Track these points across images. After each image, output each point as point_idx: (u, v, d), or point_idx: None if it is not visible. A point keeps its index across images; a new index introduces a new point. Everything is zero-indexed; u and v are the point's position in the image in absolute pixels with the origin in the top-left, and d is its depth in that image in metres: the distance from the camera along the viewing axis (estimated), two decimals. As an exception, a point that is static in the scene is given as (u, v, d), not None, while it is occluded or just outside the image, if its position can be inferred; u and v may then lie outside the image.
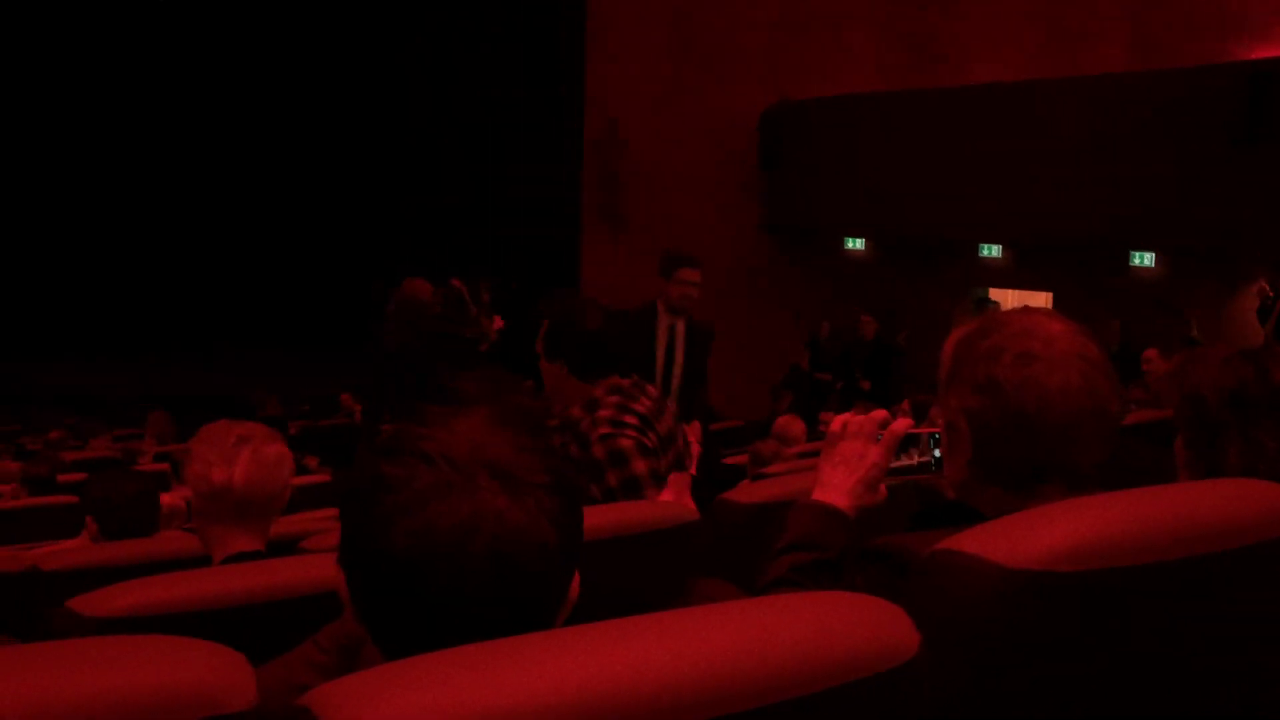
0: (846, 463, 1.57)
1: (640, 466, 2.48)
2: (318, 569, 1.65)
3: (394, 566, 0.91)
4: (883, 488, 1.59)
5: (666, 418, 2.67)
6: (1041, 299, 11.29)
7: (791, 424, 5.56)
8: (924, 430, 1.58)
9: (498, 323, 6.42)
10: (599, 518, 1.95)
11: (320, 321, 16.19)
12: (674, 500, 2.40)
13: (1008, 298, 11.67)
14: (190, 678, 0.87)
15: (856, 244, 12.72)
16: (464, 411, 0.99)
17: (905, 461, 1.58)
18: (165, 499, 2.73)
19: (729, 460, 5.08)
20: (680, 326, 4.89)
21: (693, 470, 2.78)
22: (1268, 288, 8.50)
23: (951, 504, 1.44)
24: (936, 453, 1.56)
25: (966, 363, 1.39)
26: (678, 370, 4.85)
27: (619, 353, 2.67)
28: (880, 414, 1.60)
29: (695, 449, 2.96)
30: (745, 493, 2.39)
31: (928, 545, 1.15)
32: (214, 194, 16.67)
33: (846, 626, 0.90)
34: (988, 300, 11.23)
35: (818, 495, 1.58)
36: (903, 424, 1.58)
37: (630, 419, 2.54)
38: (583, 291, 12.80)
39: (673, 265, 4.83)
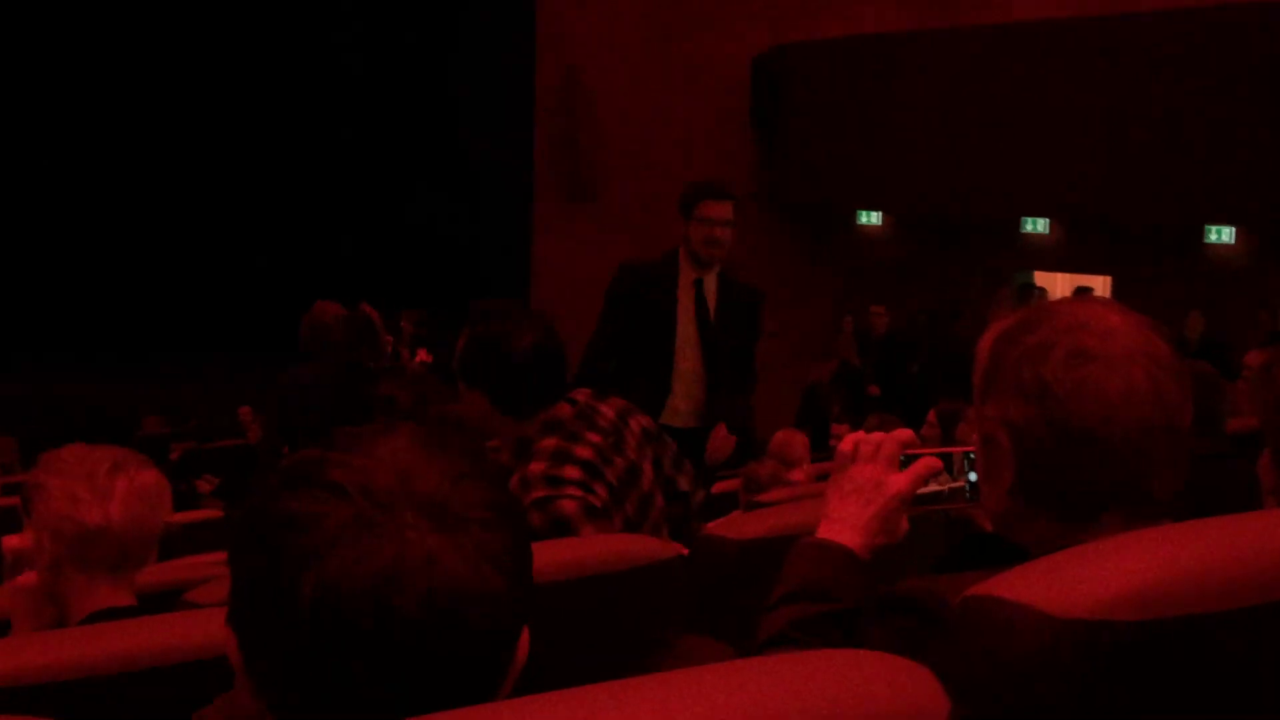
0: (860, 492, 1.58)
1: (589, 534, 2.41)
2: (204, 628, 1.64)
3: (299, 626, 0.90)
4: (904, 522, 1.59)
5: (629, 444, 2.61)
6: (1098, 284, 11.40)
7: (792, 440, 5.56)
8: (955, 450, 1.59)
9: (421, 356, 6.43)
10: (554, 554, 1.97)
11: (220, 320, 16.51)
12: None
13: (1056, 283, 11.77)
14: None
15: (871, 219, 12.80)
16: (386, 431, 0.99)
17: (932, 488, 1.59)
18: (10, 542, 2.70)
19: (718, 488, 5.06)
20: (711, 284, 4.23)
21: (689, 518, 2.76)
22: None
23: (989, 539, 1.45)
24: (971, 476, 1.57)
25: (1007, 363, 1.39)
26: (709, 348, 4.20)
27: (556, 383, 2.58)
28: (903, 434, 1.61)
29: (698, 495, 2.90)
30: (736, 527, 2.40)
31: (960, 590, 1.15)
32: (91, 186, 17.26)
33: (860, 692, 0.90)
34: (1033, 287, 11.33)
35: (824, 533, 1.58)
36: (936, 463, 1.58)
37: (571, 471, 2.47)
38: (533, 276, 12.81)
39: (693, 198, 4.17)
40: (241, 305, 17.05)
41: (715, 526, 2.41)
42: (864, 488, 1.58)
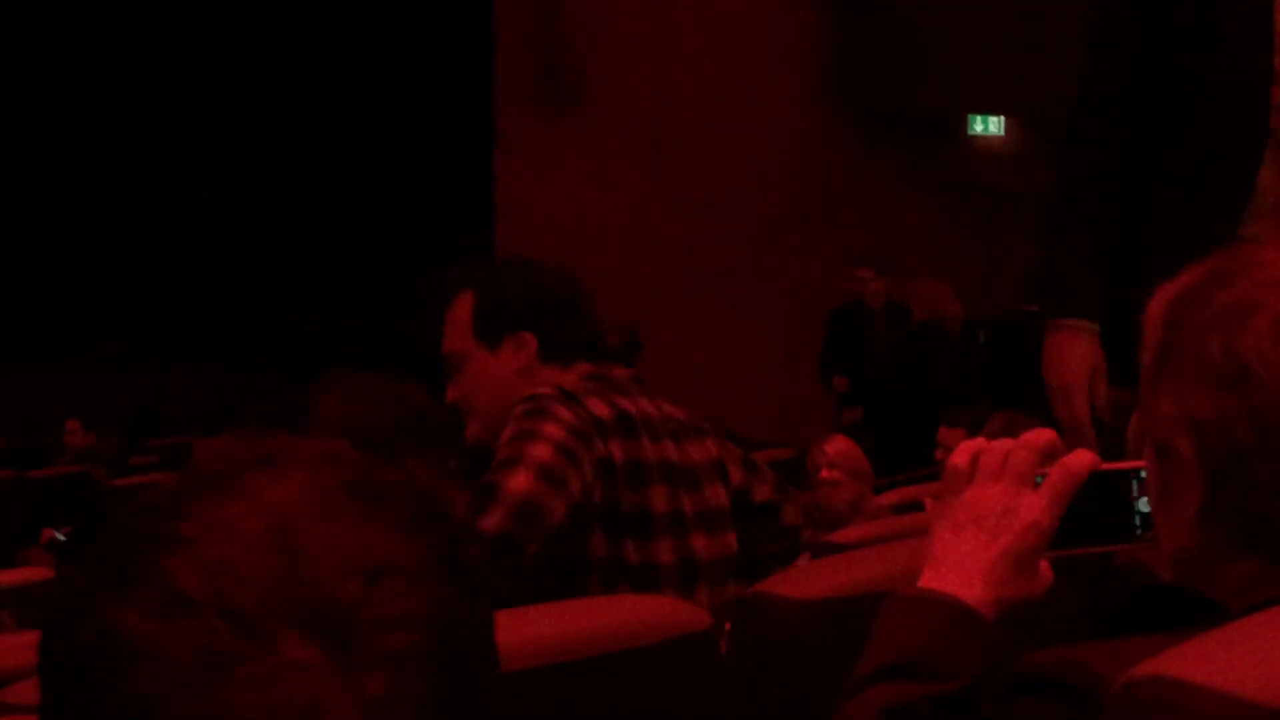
0: (980, 523, 1.58)
1: (520, 482, 2.64)
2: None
3: None
4: (1045, 567, 1.60)
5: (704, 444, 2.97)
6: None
7: (850, 451, 5.61)
8: (1117, 466, 1.59)
9: None
10: (532, 627, 1.98)
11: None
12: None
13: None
14: None
15: (988, 127, 12.76)
16: (271, 470, 0.95)
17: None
18: None
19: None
20: None
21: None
22: None
23: (1165, 592, 1.47)
24: (1143, 504, 1.57)
25: (1188, 335, 1.40)
26: None
27: (594, 327, 3.03)
28: (1041, 437, 1.61)
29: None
30: (800, 581, 2.39)
31: (1125, 663, 1.16)
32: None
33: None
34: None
35: (930, 582, 1.59)
36: (1085, 457, 1.59)
37: (566, 412, 2.75)
38: (498, 216, 12.79)
39: None
40: (65, 285, 17.29)
41: (771, 582, 2.41)
42: (986, 517, 1.58)
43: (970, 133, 12.88)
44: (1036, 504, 1.57)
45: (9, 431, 12.28)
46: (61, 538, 7.09)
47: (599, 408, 2.79)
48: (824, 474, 5.34)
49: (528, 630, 1.96)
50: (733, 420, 9.29)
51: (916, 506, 5.14)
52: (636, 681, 2.04)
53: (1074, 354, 2.84)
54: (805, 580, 2.40)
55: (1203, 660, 1.10)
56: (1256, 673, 1.07)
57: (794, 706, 2.08)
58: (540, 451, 2.66)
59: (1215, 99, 3.00)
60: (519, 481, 2.62)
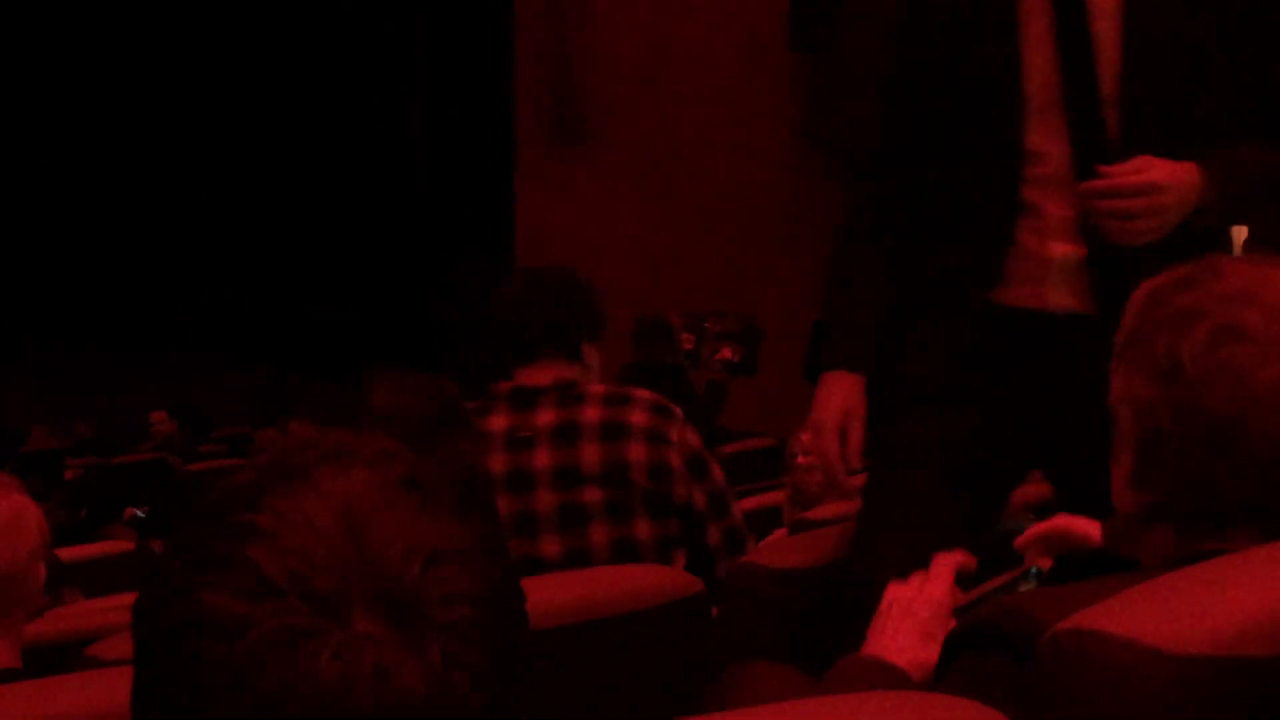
0: (884, 615, 1.70)
1: None
2: (113, 691, 1.63)
3: None
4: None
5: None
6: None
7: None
8: (1006, 579, 1.77)
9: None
10: (550, 591, 1.99)
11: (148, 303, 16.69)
12: None
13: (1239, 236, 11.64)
14: None
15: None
16: (336, 466, 0.96)
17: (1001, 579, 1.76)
18: None
19: (751, 503, 5.07)
20: None
21: None
22: None
23: (1093, 554, 1.52)
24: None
25: (1146, 327, 1.41)
26: (1125, 95, 2.40)
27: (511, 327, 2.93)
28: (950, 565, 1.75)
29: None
30: (780, 552, 2.41)
31: (1056, 611, 1.16)
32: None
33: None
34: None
35: (869, 651, 1.69)
36: (954, 557, 1.72)
37: None
38: (518, 240, 12.81)
39: None
40: (142, 292, 17.19)
41: (756, 553, 2.42)
42: (887, 611, 1.70)
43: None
44: (935, 588, 1.68)
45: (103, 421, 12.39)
46: (141, 515, 7.11)
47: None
48: (800, 459, 5.35)
49: (536, 596, 1.95)
50: (723, 412, 9.30)
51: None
52: (637, 641, 2.04)
53: (829, 395, 2.48)
54: (784, 552, 2.41)
55: (1119, 614, 1.10)
56: (1165, 625, 1.07)
57: (774, 658, 2.09)
58: None
59: (969, 150, 2.53)
60: None
